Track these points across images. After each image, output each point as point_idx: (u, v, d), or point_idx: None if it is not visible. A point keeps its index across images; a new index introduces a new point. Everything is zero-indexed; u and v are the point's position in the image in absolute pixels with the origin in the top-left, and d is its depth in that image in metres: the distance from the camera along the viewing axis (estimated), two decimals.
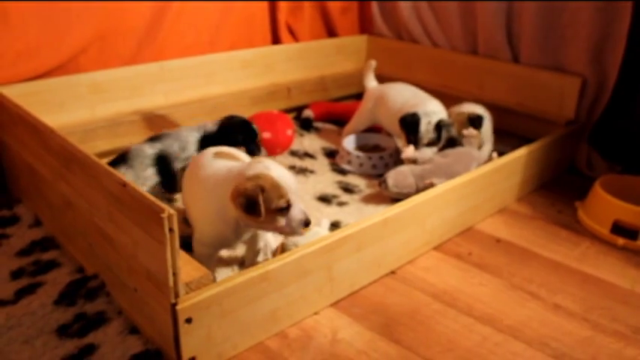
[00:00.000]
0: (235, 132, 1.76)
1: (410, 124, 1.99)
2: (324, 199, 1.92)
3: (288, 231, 1.31)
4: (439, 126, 1.98)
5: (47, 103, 1.93)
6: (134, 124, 2.10)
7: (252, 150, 1.74)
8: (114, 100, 2.09)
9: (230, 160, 1.45)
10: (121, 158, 1.69)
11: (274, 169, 1.30)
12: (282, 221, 1.30)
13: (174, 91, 2.24)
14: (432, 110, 2.01)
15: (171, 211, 1.06)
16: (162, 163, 1.71)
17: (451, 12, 2.56)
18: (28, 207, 1.81)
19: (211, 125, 1.80)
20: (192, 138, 1.76)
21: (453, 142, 2.02)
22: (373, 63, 2.29)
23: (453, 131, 2.02)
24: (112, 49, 2.11)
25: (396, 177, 1.84)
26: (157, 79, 2.19)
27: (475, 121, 2.02)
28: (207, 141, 1.73)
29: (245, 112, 2.32)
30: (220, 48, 2.40)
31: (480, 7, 2.41)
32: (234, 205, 1.29)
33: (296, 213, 1.30)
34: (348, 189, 1.99)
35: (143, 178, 1.68)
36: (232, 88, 2.40)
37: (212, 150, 1.51)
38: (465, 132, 2.00)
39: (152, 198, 1.09)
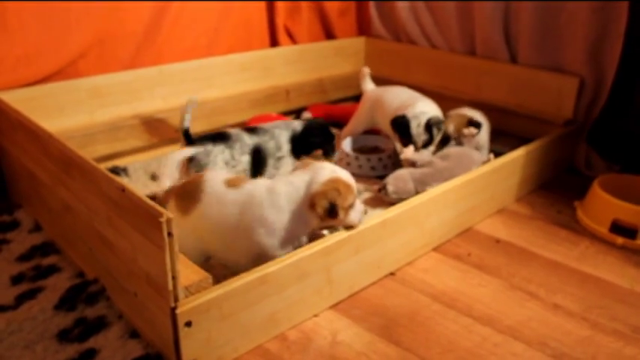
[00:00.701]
0: (316, 134, 1.86)
1: (399, 126, 2.00)
2: None
3: (356, 223, 1.41)
4: (429, 125, 1.97)
5: (47, 108, 1.94)
6: (133, 129, 2.11)
7: (328, 151, 1.89)
8: (113, 105, 2.10)
9: (242, 185, 1.40)
10: (221, 137, 1.74)
11: (339, 171, 1.41)
12: (352, 215, 1.39)
13: (173, 94, 2.24)
14: (420, 111, 2.00)
15: (170, 215, 1.06)
16: (257, 155, 1.77)
17: (449, 13, 2.56)
18: (28, 212, 1.81)
19: (298, 126, 1.87)
20: (284, 138, 1.83)
21: (446, 140, 2.03)
22: (367, 70, 2.28)
23: (445, 128, 2.03)
24: (111, 53, 2.12)
25: (396, 183, 1.83)
26: (155, 82, 2.20)
27: (474, 126, 2.02)
28: (293, 141, 1.84)
29: (244, 116, 2.35)
30: (219, 51, 2.41)
31: (478, 9, 2.41)
32: (313, 212, 1.35)
33: (359, 206, 1.42)
34: None
35: (237, 161, 1.74)
36: (231, 91, 2.40)
37: (221, 179, 1.42)
38: (466, 131, 2.01)
39: (151, 202, 1.10)
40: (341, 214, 1.36)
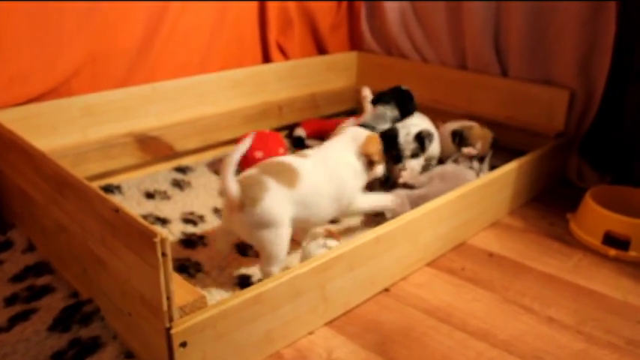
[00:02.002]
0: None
1: (387, 138, 1.96)
2: None
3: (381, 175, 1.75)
4: (420, 137, 1.97)
5: (39, 127, 1.94)
6: (126, 146, 2.11)
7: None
8: (106, 123, 2.10)
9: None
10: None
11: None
12: (379, 168, 1.71)
13: (166, 112, 2.25)
14: (410, 123, 2.02)
15: (164, 235, 1.06)
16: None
17: (439, 28, 2.58)
18: (21, 232, 1.81)
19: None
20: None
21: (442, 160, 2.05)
22: (367, 92, 2.26)
23: (469, 142, 2.04)
24: (103, 71, 2.12)
25: (395, 201, 1.79)
26: (148, 100, 2.20)
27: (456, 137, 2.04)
28: None
29: (237, 132, 2.36)
30: (211, 68, 2.42)
31: (468, 23, 2.44)
32: (370, 154, 1.66)
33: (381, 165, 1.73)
34: None
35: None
36: (224, 107, 2.41)
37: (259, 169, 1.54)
38: (465, 150, 2.00)
39: (144, 223, 1.10)
40: (377, 165, 1.69)
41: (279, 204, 1.46)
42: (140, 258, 1.12)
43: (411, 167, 1.97)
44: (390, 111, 2.06)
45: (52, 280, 1.58)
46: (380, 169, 1.72)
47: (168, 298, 1.10)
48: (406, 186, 1.91)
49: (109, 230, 1.22)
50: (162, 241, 1.06)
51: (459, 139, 2.04)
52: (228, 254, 1.68)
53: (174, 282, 1.13)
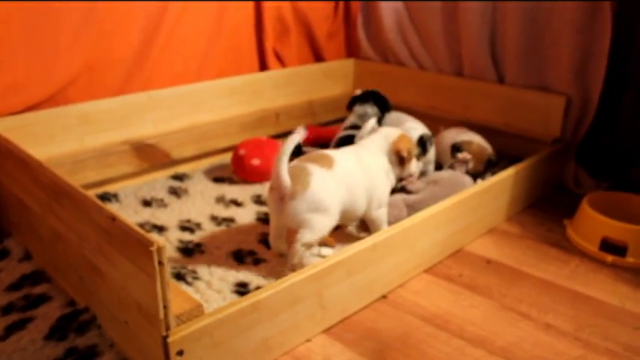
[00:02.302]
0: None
1: None
2: None
3: (416, 172, 1.80)
4: (422, 140, 1.95)
5: (36, 136, 1.94)
6: (123, 154, 2.11)
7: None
8: (103, 131, 2.10)
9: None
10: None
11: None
12: (413, 165, 1.76)
13: (163, 119, 2.25)
14: (409, 127, 2.03)
15: (161, 244, 1.06)
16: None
17: (436, 35, 2.59)
18: (18, 241, 1.80)
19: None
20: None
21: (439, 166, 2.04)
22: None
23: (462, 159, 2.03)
24: (100, 79, 2.12)
25: (390, 211, 1.79)
26: (145, 108, 2.20)
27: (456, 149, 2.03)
28: None
29: (234, 139, 2.36)
30: (208, 76, 2.42)
31: (464, 30, 2.44)
32: (400, 150, 1.71)
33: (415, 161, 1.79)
34: None
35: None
36: (221, 115, 2.41)
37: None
38: (460, 156, 2.00)
39: (141, 231, 1.10)
40: (411, 162, 1.73)
41: (325, 185, 1.55)
42: (137, 266, 1.12)
43: (412, 169, 1.96)
44: (370, 108, 2.16)
45: (49, 288, 1.58)
46: (414, 166, 1.77)
47: (165, 307, 1.10)
48: (403, 190, 1.90)
49: (105, 239, 1.22)
50: (159, 249, 1.06)
51: (455, 152, 2.05)
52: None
53: (171, 290, 1.12)
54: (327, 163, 1.59)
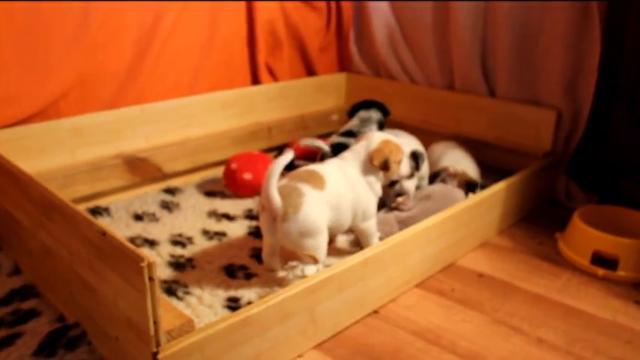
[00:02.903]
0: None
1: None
2: None
3: (405, 174, 1.76)
4: (414, 156, 1.94)
5: (27, 149, 1.93)
6: (115, 168, 2.10)
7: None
8: (95, 145, 2.09)
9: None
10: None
11: (389, 136, 1.75)
12: (402, 168, 1.73)
13: (155, 133, 2.24)
14: (401, 143, 1.99)
15: (151, 260, 1.05)
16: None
17: (427, 49, 2.61)
18: (7, 255, 1.79)
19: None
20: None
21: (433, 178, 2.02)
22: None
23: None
24: (92, 93, 2.12)
25: (382, 227, 1.79)
26: (137, 122, 2.20)
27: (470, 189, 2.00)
28: None
29: (226, 153, 2.36)
30: (200, 90, 2.42)
31: (455, 45, 2.46)
32: (373, 166, 1.67)
33: (406, 162, 1.75)
34: None
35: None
36: (213, 129, 2.41)
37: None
38: (452, 170, 2.00)
39: (131, 247, 1.09)
40: (393, 167, 1.68)
41: (317, 207, 1.54)
42: (127, 282, 1.12)
43: (408, 188, 1.96)
44: (374, 113, 2.19)
45: (38, 303, 1.56)
46: (404, 169, 1.74)
47: (155, 323, 1.09)
48: (394, 208, 1.90)
49: (95, 254, 1.21)
50: (150, 265, 1.05)
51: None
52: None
53: (162, 306, 1.12)
54: (319, 183, 1.58)
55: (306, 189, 1.54)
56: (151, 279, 1.06)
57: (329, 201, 1.58)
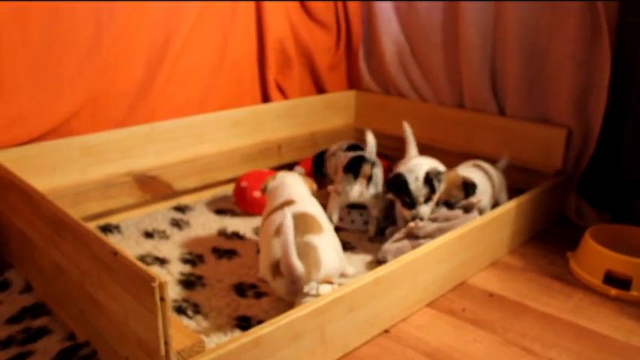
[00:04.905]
0: None
1: (396, 186, 1.92)
2: None
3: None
4: (428, 177, 1.90)
5: (39, 167, 1.94)
6: (125, 186, 2.11)
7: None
8: (105, 163, 2.10)
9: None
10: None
11: None
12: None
13: (165, 151, 2.25)
14: (415, 164, 1.94)
15: (162, 280, 1.06)
16: None
17: (437, 68, 2.61)
18: (19, 272, 1.80)
19: None
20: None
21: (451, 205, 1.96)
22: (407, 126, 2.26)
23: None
24: (103, 112, 2.13)
25: (397, 256, 1.66)
26: (148, 140, 2.21)
27: (469, 187, 1.95)
28: None
29: (236, 171, 2.37)
30: (210, 108, 2.43)
31: (465, 64, 2.46)
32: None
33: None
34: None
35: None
36: (223, 147, 2.42)
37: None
38: (474, 200, 1.94)
39: (143, 267, 1.10)
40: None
41: (330, 252, 1.60)
42: (138, 302, 1.12)
43: (423, 213, 1.90)
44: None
45: (49, 321, 1.57)
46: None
47: (166, 343, 1.09)
48: (411, 236, 1.86)
49: (106, 273, 1.22)
50: (161, 285, 1.05)
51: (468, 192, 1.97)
52: None
53: (173, 325, 1.12)
54: (317, 227, 1.63)
55: (315, 239, 1.58)
56: (162, 299, 1.06)
57: (330, 239, 1.64)
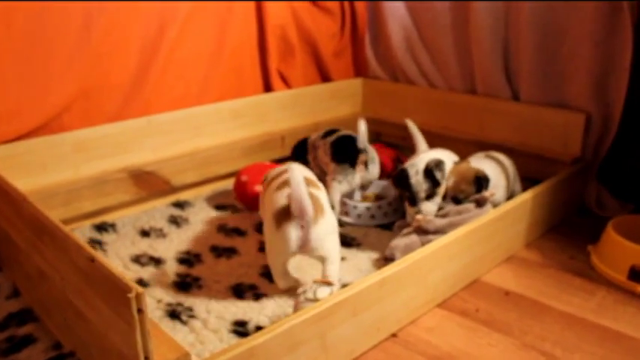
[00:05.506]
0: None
1: (399, 180, 1.86)
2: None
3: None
4: (428, 169, 1.81)
5: (28, 165, 1.86)
6: (121, 182, 2.03)
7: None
8: (99, 159, 2.02)
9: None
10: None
11: None
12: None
13: (162, 145, 2.16)
14: (419, 159, 1.86)
15: (139, 290, 0.95)
16: None
17: (447, 52, 2.49)
18: (6, 276, 1.71)
19: None
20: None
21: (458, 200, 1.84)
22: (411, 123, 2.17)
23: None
24: (96, 105, 2.04)
25: (406, 252, 1.59)
26: (144, 134, 2.12)
27: (482, 182, 1.82)
28: None
29: (237, 165, 2.28)
30: (210, 99, 2.34)
31: (476, 46, 2.35)
32: None
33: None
34: (345, 242, 1.88)
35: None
36: (223, 139, 2.33)
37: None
38: (487, 194, 1.79)
39: (121, 275, 0.99)
40: None
41: (329, 207, 1.59)
42: (116, 313, 1.02)
43: (426, 211, 1.81)
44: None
45: (35, 329, 1.47)
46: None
47: (147, 358, 0.99)
48: (420, 230, 1.75)
49: (85, 281, 1.12)
50: (138, 296, 0.95)
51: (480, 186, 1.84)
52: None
53: (157, 336, 1.02)
54: (316, 184, 1.65)
55: (317, 192, 1.57)
56: (140, 311, 0.96)
57: (332, 222, 1.56)
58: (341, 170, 1.96)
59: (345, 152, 1.98)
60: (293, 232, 1.47)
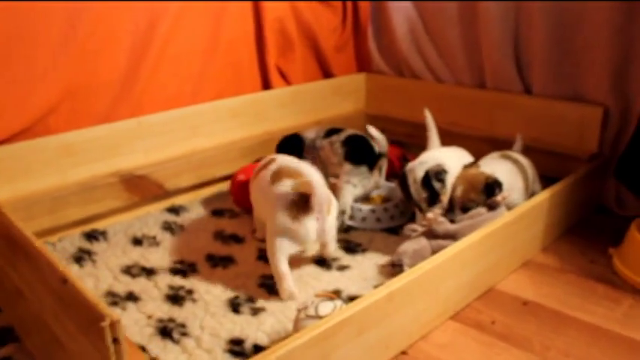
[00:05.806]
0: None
1: (400, 185, 1.82)
2: (322, 262, 1.71)
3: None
4: (426, 179, 1.71)
5: (10, 170, 1.76)
6: (111, 187, 1.93)
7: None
8: (87, 163, 1.92)
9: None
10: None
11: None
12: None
13: (155, 147, 2.06)
14: (420, 162, 1.77)
15: (115, 317, 0.84)
16: None
17: (454, 44, 2.39)
18: None
19: None
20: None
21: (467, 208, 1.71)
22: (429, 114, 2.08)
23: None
24: (84, 106, 1.95)
25: (415, 258, 1.54)
26: (135, 135, 2.02)
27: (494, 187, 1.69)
28: None
29: (234, 167, 2.19)
30: (205, 98, 2.24)
31: (485, 36, 2.24)
32: None
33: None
34: (350, 248, 1.77)
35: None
36: (220, 140, 2.23)
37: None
38: (500, 198, 1.67)
39: (93, 300, 0.88)
40: None
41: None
42: (90, 342, 0.91)
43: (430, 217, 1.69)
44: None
45: (15, 350, 1.36)
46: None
47: None
48: (430, 234, 1.64)
49: (59, 304, 1.01)
50: (113, 324, 0.84)
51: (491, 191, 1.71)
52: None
53: None
54: (300, 174, 1.64)
55: (319, 179, 1.58)
56: (115, 340, 0.85)
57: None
58: (357, 173, 1.88)
59: (363, 153, 1.90)
60: (311, 225, 1.52)
